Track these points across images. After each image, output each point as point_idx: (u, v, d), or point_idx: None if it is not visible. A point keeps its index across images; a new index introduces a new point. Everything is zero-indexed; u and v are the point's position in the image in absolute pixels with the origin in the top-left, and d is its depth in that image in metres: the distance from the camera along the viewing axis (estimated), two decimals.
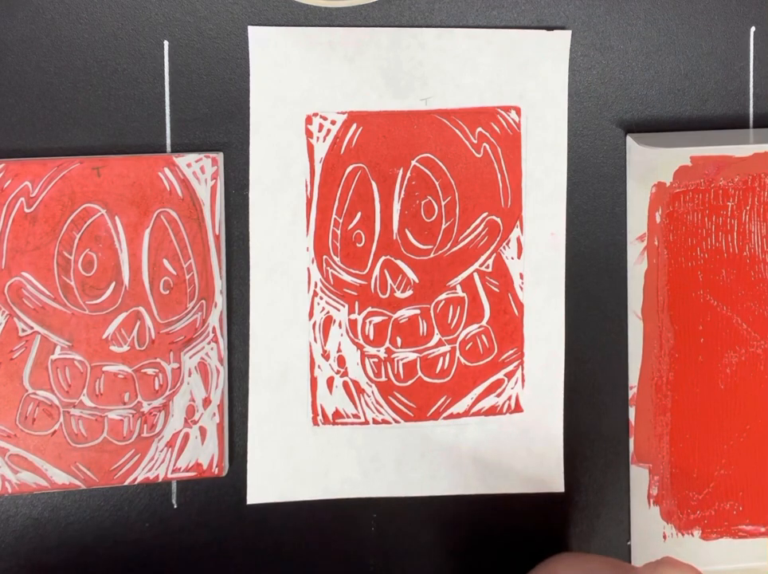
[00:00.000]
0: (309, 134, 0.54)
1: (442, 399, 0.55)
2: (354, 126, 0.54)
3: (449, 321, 0.55)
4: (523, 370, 0.56)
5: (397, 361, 0.55)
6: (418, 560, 0.55)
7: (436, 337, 0.55)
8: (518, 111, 0.55)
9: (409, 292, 0.55)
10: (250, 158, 0.53)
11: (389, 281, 0.55)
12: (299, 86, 0.53)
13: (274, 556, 0.55)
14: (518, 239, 0.55)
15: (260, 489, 0.54)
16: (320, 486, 0.54)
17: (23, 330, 0.52)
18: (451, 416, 0.55)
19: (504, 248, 0.55)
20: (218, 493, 0.54)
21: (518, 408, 0.56)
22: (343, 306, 0.54)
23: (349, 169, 0.54)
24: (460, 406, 0.55)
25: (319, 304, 0.54)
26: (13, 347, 0.52)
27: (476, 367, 0.55)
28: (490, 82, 0.54)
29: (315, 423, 0.54)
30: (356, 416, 0.55)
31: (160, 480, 0.53)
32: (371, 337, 0.55)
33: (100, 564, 0.54)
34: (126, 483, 0.53)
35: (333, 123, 0.54)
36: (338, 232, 0.54)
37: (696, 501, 0.56)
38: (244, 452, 0.54)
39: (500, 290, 0.55)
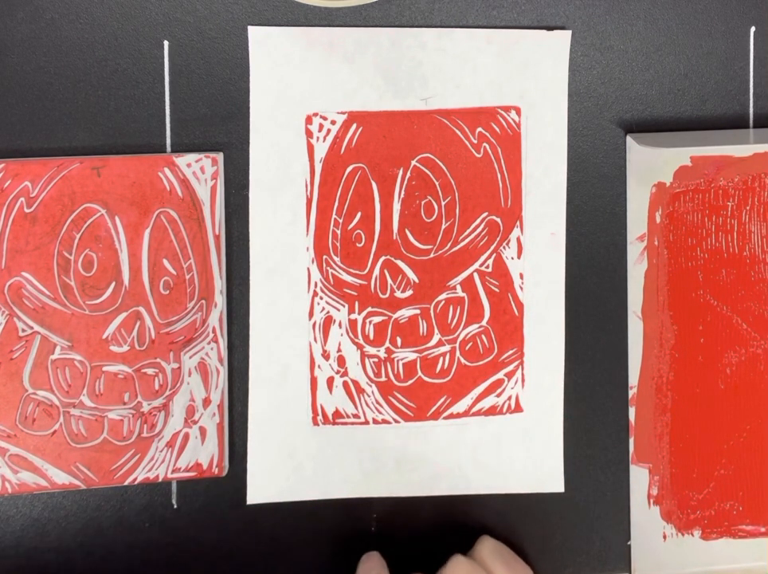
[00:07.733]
0: (309, 134, 0.54)
1: (442, 399, 0.55)
2: (354, 126, 0.54)
3: (449, 321, 0.55)
4: (522, 370, 0.56)
5: (397, 361, 0.55)
6: (418, 560, 0.55)
7: (436, 337, 0.55)
8: (518, 111, 0.55)
9: (409, 292, 0.55)
10: (250, 158, 0.53)
11: (389, 281, 0.55)
12: (299, 86, 0.53)
13: (274, 556, 0.55)
14: (518, 239, 0.55)
15: (260, 489, 0.54)
16: (320, 486, 0.54)
17: (23, 330, 0.52)
18: (451, 416, 0.55)
19: (504, 248, 0.55)
20: (218, 493, 0.54)
21: (518, 408, 0.56)
22: (343, 306, 0.54)
23: (349, 169, 0.54)
24: (460, 406, 0.55)
25: (319, 304, 0.54)
26: (13, 347, 0.52)
27: (476, 367, 0.55)
28: (490, 82, 0.54)
29: (315, 423, 0.54)
30: (356, 416, 0.55)
31: (160, 480, 0.53)
32: (371, 337, 0.55)
33: (100, 563, 0.54)
34: (126, 483, 0.53)
35: (333, 123, 0.54)
36: (338, 232, 0.54)
37: (696, 501, 0.56)
38: (244, 452, 0.54)
39: (500, 290, 0.55)
